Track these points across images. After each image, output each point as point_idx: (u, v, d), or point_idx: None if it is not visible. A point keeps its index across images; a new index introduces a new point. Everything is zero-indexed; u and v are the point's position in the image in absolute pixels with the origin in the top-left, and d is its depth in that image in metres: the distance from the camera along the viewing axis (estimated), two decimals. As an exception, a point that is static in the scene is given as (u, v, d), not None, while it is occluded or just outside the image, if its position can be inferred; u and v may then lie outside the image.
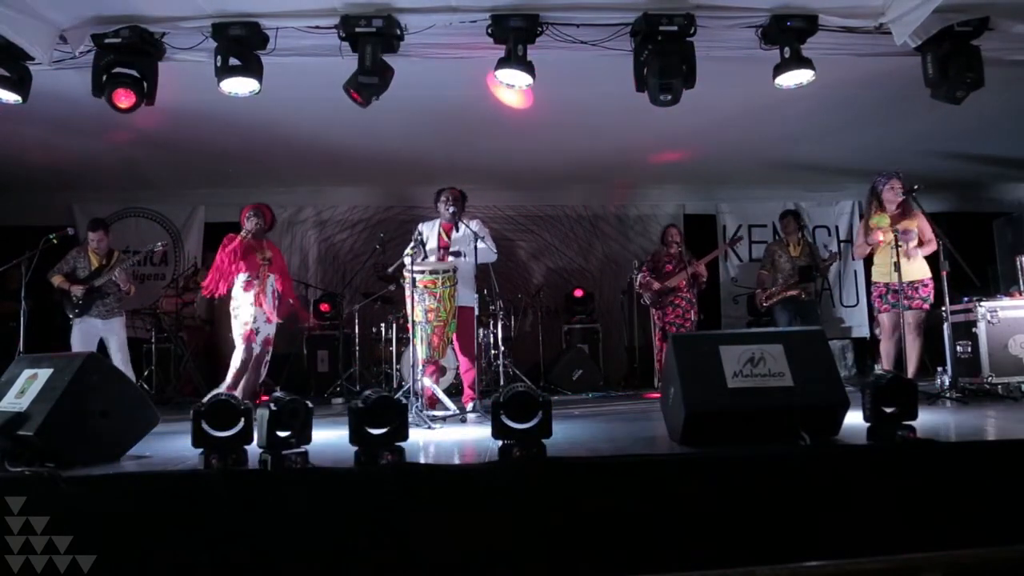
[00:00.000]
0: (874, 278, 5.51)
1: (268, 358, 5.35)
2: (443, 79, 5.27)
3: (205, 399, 2.90)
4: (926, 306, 5.27)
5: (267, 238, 5.47)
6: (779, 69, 4.52)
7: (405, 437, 2.81)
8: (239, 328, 5.16)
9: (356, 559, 2.55)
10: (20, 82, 4.44)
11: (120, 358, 5.69)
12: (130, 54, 4.37)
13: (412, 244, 5.14)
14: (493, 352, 7.21)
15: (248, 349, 5.15)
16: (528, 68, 4.41)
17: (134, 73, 4.40)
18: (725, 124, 6.54)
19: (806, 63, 4.44)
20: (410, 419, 3.21)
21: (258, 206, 5.33)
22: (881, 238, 5.34)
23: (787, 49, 4.43)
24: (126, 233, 8.09)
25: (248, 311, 5.13)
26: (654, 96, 4.45)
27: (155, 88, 4.52)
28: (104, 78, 4.37)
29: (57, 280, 5.71)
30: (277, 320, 5.32)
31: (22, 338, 5.18)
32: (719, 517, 2.68)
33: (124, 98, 4.42)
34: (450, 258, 5.20)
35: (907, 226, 5.27)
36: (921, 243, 5.30)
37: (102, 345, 5.73)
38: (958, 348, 5.43)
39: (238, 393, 4.94)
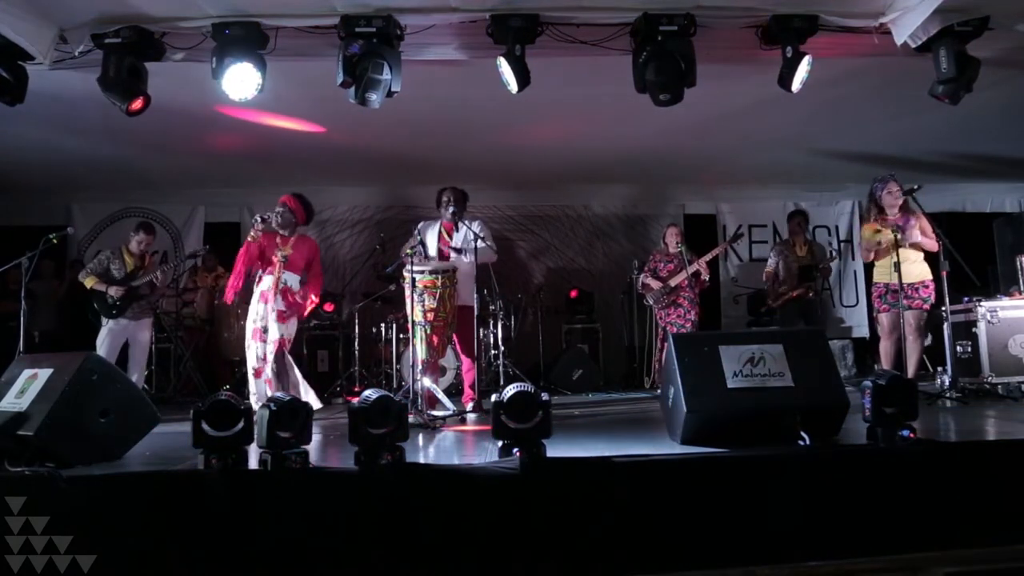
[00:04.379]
0: (875, 278, 5.51)
1: (288, 359, 5.01)
2: (443, 79, 5.27)
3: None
4: (926, 307, 5.27)
5: (301, 232, 5.20)
6: (784, 76, 4.51)
7: (405, 437, 2.81)
8: (248, 327, 4.97)
9: (356, 559, 2.55)
10: (16, 84, 4.41)
11: (138, 358, 5.68)
12: (133, 54, 4.36)
13: (412, 243, 5.14)
14: (493, 352, 7.20)
15: (259, 347, 4.91)
16: (523, 73, 4.39)
17: (136, 73, 4.41)
18: (725, 124, 6.54)
19: (802, 55, 4.44)
20: (410, 419, 3.21)
21: (285, 199, 5.09)
22: (878, 246, 5.36)
23: (788, 49, 4.43)
24: (126, 233, 8.08)
25: (254, 308, 4.96)
26: (654, 96, 4.45)
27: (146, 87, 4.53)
28: (118, 78, 4.34)
29: (91, 282, 5.67)
30: (288, 320, 4.99)
31: (22, 338, 5.18)
32: (719, 517, 2.68)
33: (139, 103, 4.46)
34: (452, 255, 5.20)
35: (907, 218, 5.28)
36: (923, 233, 5.31)
37: (124, 346, 5.72)
38: (958, 348, 5.43)
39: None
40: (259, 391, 4.87)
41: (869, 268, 6.12)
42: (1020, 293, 5.62)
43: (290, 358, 5.05)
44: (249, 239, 4.97)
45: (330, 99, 4.79)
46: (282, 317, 4.94)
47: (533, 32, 4.33)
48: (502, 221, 8.74)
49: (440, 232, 5.34)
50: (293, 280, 5.03)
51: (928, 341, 5.33)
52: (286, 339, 4.98)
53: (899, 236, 5.08)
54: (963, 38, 4.33)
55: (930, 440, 3.02)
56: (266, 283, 4.98)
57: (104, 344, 5.60)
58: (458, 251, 5.18)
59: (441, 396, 5.00)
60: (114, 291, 5.62)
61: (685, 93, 4.45)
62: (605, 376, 7.88)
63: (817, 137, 7.15)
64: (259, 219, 4.93)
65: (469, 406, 5.10)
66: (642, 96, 4.50)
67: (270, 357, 4.88)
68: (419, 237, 5.32)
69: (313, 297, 5.17)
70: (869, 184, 5.62)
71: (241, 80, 4.40)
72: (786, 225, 7.51)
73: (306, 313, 5.28)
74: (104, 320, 5.68)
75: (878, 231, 5.37)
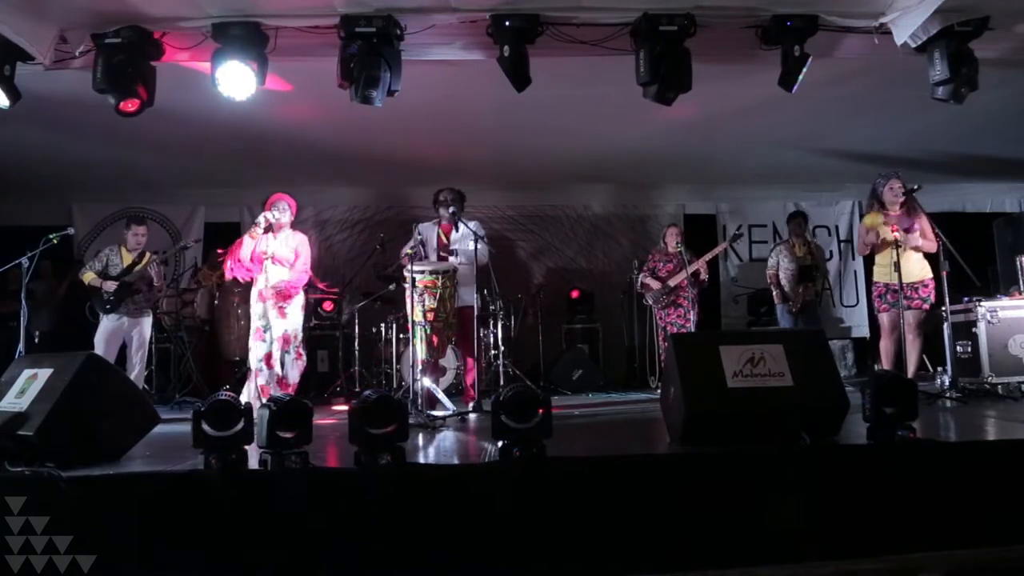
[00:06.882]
0: (875, 278, 5.50)
1: (294, 358, 5.00)
2: (443, 79, 5.26)
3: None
4: (926, 307, 5.27)
5: (297, 228, 5.23)
6: (785, 77, 4.49)
7: (405, 437, 2.81)
8: (252, 327, 5.02)
9: (356, 559, 2.55)
10: (10, 85, 4.38)
11: (139, 356, 5.69)
12: (131, 54, 4.35)
13: (412, 243, 5.14)
14: (493, 352, 7.20)
15: (260, 347, 4.92)
16: (523, 74, 4.38)
17: (135, 74, 4.39)
18: (725, 124, 6.54)
19: (806, 55, 4.43)
20: (410, 419, 3.21)
21: (282, 196, 5.15)
22: (877, 239, 5.33)
23: (796, 48, 4.41)
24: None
25: (254, 308, 5.01)
26: (654, 95, 4.45)
27: (154, 89, 4.51)
28: (108, 78, 4.33)
29: (89, 277, 5.71)
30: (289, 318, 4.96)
31: (22, 338, 5.18)
32: (719, 517, 2.68)
33: (130, 105, 4.44)
34: (450, 258, 5.20)
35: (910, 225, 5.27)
36: (923, 236, 5.30)
37: (123, 344, 5.74)
38: (958, 348, 5.43)
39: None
40: (249, 392, 4.88)
41: (869, 268, 6.12)
42: (1020, 293, 5.62)
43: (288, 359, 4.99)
44: (248, 235, 5.03)
45: (329, 98, 4.78)
46: (282, 312, 4.96)
47: (533, 32, 4.33)
48: (502, 221, 8.74)
49: (438, 233, 5.34)
50: (284, 274, 5.03)
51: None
52: (290, 334, 4.98)
53: (899, 237, 5.08)
54: (963, 38, 4.33)
55: (930, 440, 3.02)
56: (260, 282, 5.01)
57: (101, 341, 5.62)
58: (452, 252, 5.17)
59: (441, 396, 5.00)
60: (109, 286, 5.65)
61: (686, 93, 4.45)
62: (605, 376, 7.87)
63: (817, 137, 7.15)
64: (262, 222, 4.97)
65: (469, 406, 5.10)
66: (642, 96, 4.50)
67: (276, 354, 4.90)
68: (419, 237, 5.33)
69: (303, 277, 5.10)
70: (869, 184, 5.62)
71: (240, 80, 4.38)
72: (786, 226, 7.51)
73: (301, 287, 5.16)
74: (101, 316, 5.70)
75: (877, 220, 5.33)
